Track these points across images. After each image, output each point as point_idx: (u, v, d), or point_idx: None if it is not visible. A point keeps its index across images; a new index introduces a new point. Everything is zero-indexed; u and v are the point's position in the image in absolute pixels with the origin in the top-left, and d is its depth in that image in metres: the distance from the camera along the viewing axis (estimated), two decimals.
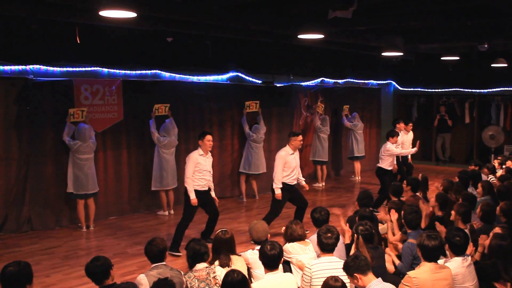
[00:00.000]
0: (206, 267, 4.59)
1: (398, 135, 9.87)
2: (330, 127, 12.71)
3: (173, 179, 9.30)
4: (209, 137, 7.21)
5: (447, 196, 6.74)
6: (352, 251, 5.02)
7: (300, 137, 7.88)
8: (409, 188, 7.54)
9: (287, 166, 7.70)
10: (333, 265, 4.49)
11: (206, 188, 7.29)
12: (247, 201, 10.66)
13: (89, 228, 8.46)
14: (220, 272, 4.61)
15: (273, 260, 4.33)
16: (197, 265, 4.58)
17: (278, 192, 7.67)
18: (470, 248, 4.78)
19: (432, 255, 4.26)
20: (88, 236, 8.18)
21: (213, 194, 7.44)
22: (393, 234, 6.03)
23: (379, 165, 9.66)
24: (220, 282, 4.52)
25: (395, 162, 9.82)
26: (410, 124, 11.21)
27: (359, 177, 12.95)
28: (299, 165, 7.97)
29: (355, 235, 4.94)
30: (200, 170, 7.13)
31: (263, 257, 4.35)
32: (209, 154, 7.34)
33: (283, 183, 7.71)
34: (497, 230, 5.11)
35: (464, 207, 5.78)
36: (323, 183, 12.30)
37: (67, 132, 8.21)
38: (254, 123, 10.73)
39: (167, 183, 9.19)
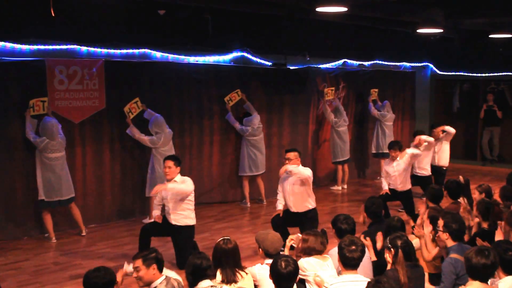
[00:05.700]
0: (212, 286, 4.54)
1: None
2: (354, 118, 12.60)
3: None
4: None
5: (490, 202, 6.62)
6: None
7: (288, 155, 7.53)
8: (446, 193, 7.46)
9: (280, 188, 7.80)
10: (357, 284, 4.44)
11: None
12: (253, 207, 10.63)
13: (81, 234, 8.68)
14: None
15: (288, 279, 4.27)
16: (200, 283, 4.55)
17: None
18: None
19: (481, 274, 4.23)
20: (61, 248, 8.17)
21: None
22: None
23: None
24: None
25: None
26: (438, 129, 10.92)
27: None
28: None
29: (392, 249, 4.87)
30: None
31: (277, 275, 4.28)
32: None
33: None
34: None
35: None
36: (345, 186, 12.25)
37: (31, 127, 8.18)
38: (242, 115, 10.63)
39: None
